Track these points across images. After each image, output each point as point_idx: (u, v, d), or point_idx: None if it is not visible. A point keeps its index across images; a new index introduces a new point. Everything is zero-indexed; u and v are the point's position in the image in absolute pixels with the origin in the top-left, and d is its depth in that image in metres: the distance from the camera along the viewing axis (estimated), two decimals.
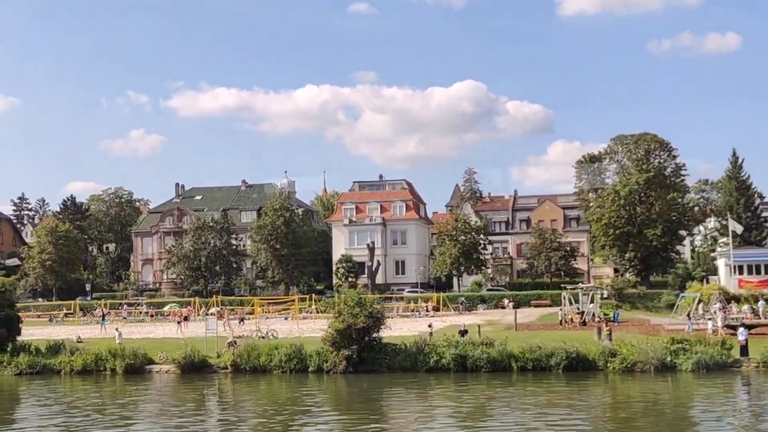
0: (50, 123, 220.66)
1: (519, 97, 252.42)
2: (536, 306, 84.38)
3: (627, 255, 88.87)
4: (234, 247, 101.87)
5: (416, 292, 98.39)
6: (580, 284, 72.83)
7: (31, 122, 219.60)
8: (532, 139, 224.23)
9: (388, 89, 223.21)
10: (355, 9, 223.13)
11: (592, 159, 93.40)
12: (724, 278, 78.19)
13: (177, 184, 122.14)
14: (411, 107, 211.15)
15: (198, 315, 76.19)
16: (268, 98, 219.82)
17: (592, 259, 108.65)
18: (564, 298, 66.82)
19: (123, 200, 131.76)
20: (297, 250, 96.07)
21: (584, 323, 59.14)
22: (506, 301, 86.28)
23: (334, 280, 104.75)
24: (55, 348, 44.82)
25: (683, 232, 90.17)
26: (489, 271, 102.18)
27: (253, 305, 73.00)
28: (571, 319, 61.41)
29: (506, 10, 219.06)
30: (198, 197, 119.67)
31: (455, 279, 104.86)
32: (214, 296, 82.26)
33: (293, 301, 74.92)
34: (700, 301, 57.79)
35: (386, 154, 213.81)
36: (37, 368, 42.99)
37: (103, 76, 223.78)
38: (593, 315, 61.04)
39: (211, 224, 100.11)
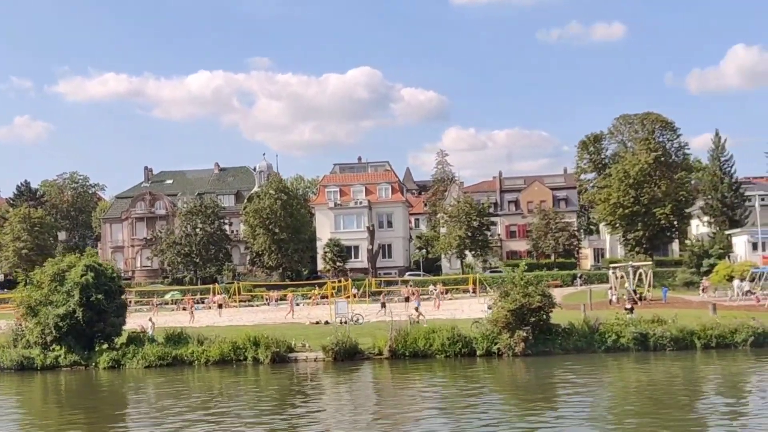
0: None
1: (414, 84, 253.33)
2: (548, 286, 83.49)
3: (633, 234, 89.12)
4: (224, 232, 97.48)
5: (418, 275, 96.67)
6: (629, 264, 71.92)
7: None
8: (427, 126, 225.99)
9: (282, 75, 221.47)
10: None
11: (596, 139, 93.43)
12: (746, 255, 79.03)
13: (146, 168, 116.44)
14: (306, 93, 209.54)
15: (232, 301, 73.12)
16: (159, 84, 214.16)
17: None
18: (614, 278, 66.26)
19: (79, 185, 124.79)
20: (296, 234, 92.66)
21: (640, 300, 58.26)
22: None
23: (320, 265, 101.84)
24: (175, 338, 40.92)
25: (689, 211, 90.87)
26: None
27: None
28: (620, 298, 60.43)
29: None
30: (169, 181, 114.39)
31: (446, 262, 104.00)
32: (235, 282, 78.53)
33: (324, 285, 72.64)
34: None
35: (282, 141, 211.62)
36: (167, 360, 39.12)
37: None
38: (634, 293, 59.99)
39: (200, 208, 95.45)
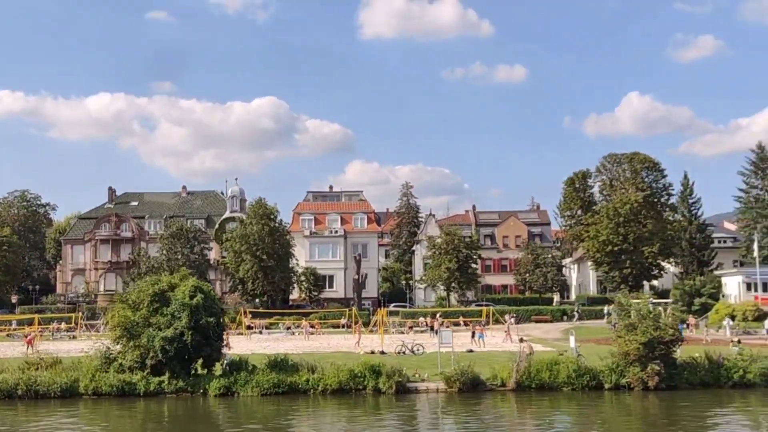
0: None
1: (319, 116, 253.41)
2: (537, 321, 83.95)
3: (617, 272, 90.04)
4: (206, 257, 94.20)
5: (404, 306, 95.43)
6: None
7: None
8: (330, 158, 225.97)
9: (186, 101, 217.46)
10: (154, 16, 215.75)
11: (584, 176, 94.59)
12: (741, 295, 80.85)
13: (109, 189, 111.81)
14: (210, 120, 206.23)
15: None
16: (57, 104, 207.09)
17: None
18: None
19: (30, 204, 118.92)
20: (281, 262, 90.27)
21: None
22: (506, 316, 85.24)
23: (297, 294, 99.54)
24: (281, 364, 38.64)
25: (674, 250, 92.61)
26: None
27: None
28: None
29: (309, 29, 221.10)
30: (134, 203, 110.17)
31: (421, 294, 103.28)
32: (242, 309, 75.87)
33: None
34: None
35: (183, 168, 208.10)
36: (282, 387, 36.86)
37: None
38: None
39: (181, 232, 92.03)
